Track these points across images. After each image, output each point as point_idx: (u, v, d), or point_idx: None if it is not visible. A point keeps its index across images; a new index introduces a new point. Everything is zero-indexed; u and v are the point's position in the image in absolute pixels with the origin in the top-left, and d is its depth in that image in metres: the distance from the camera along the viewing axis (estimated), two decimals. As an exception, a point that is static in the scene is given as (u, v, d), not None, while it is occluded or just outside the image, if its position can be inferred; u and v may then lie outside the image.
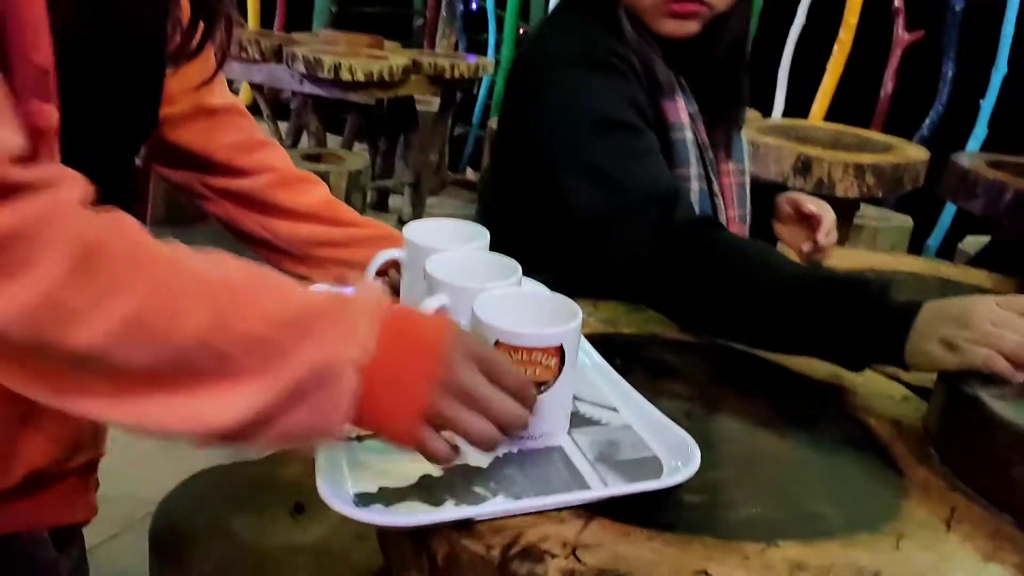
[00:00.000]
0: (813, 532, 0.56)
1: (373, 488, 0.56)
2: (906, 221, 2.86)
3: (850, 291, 0.71)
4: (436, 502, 0.55)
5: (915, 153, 2.17)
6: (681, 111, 0.95)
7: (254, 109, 3.54)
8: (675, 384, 0.76)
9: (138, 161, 0.70)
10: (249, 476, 1.05)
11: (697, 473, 0.58)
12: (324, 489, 0.53)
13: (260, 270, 0.51)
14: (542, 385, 0.60)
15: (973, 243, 2.50)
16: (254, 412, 0.47)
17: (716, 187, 0.99)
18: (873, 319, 0.70)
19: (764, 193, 1.09)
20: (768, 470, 0.64)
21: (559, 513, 0.55)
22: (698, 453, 0.60)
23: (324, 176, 2.61)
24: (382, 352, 0.50)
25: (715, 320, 0.81)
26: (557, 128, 0.89)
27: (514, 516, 0.54)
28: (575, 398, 0.69)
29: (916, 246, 2.95)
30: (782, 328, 0.75)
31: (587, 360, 0.75)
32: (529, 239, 0.83)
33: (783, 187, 1.14)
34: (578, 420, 0.66)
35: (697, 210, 0.91)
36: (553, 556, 0.51)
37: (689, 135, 0.95)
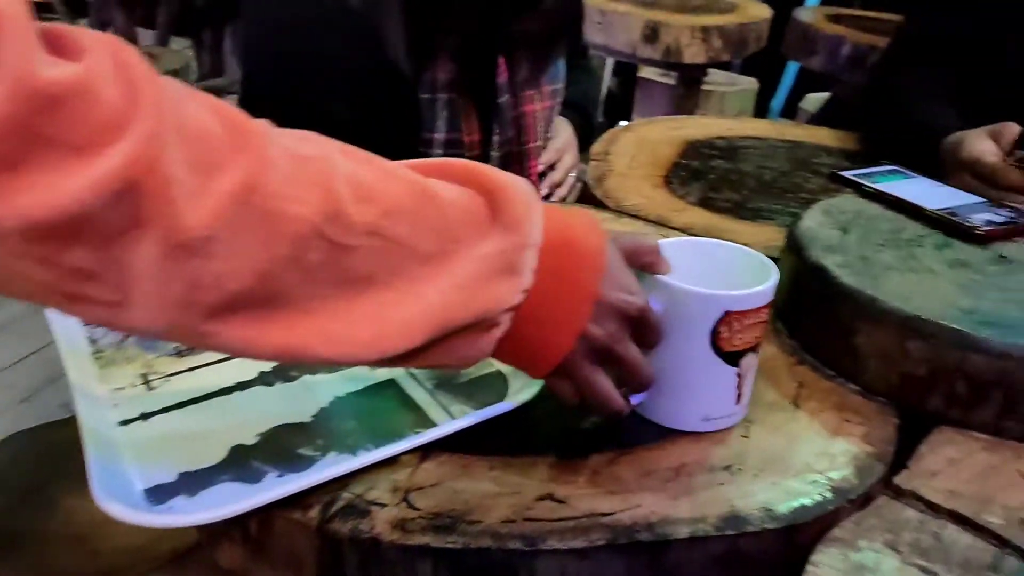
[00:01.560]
0: (661, 431, 0.53)
1: (171, 475, 0.47)
2: (752, 84, 2.89)
3: None
4: (254, 477, 0.47)
5: (758, 11, 2.15)
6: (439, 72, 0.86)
7: (45, 7, 3.09)
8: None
9: None
10: (68, 437, 0.93)
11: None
12: (98, 490, 0.42)
13: (372, 157, 0.43)
14: (756, 347, 0.51)
15: (814, 101, 2.56)
16: (401, 347, 0.42)
17: (499, 138, 0.92)
18: None
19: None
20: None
21: (389, 452, 0.49)
22: None
23: (138, 81, 2.31)
24: (537, 288, 0.44)
25: None
26: None
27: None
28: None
29: (763, 108, 3.01)
30: None
31: None
32: None
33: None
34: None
35: None
36: (382, 506, 0.45)
37: (444, 98, 0.87)
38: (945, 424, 0.55)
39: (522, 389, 0.53)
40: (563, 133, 1.06)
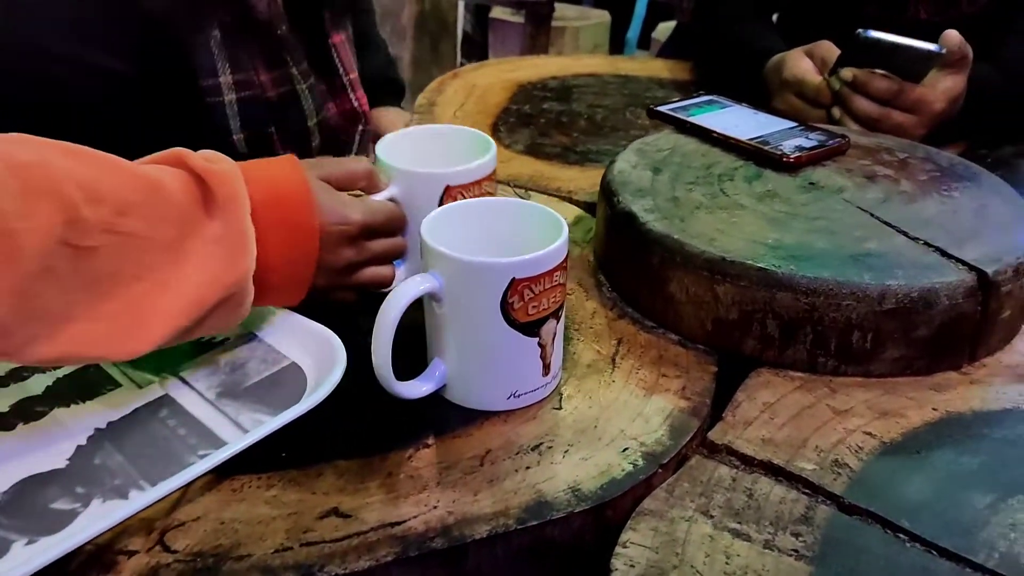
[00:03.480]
0: (468, 415, 0.48)
1: None
2: (604, 16, 2.86)
3: None
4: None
5: (596, -58, 2.10)
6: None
7: None
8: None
9: None
10: None
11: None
12: None
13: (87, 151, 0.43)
14: (557, 311, 0.47)
15: (664, 30, 2.56)
16: (168, 334, 0.44)
17: (298, 71, 0.85)
18: None
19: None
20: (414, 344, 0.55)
21: (150, 485, 0.42)
22: (342, 349, 0.49)
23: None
24: (265, 245, 0.47)
25: None
26: None
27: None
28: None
29: (618, 40, 2.99)
30: None
31: None
32: None
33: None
34: (186, 350, 0.52)
35: (236, 122, 0.80)
36: (131, 554, 0.39)
37: (216, 36, 0.78)
38: (763, 365, 0.53)
39: (321, 382, 0.47)
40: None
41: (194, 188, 0.46)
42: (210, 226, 0.45)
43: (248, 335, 0.53)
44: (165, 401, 0.48)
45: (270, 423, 0.45)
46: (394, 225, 0.57)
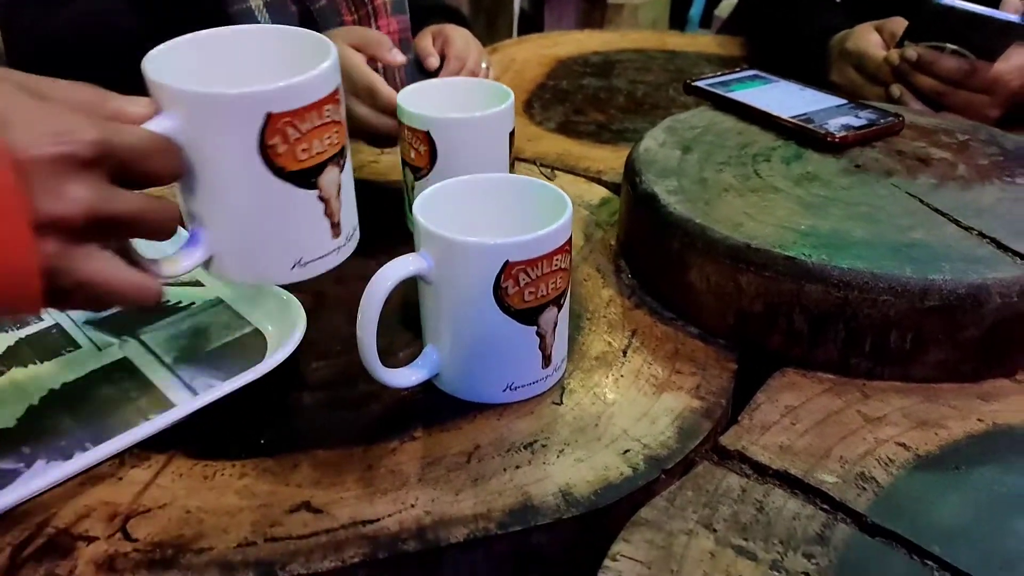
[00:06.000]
0: (461, 407, 0.45)
1: None
2: (665, -7, 2.77)
3: None
4: None
5: (656, -86, 2.02)
6: None
7: None
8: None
9: None
10: None
11: (314, 351, 0.46)
12: None
13: None
14: (559, 298, 0.43)
15: (727, 7, 2.46)
16: None
17: None
18: None
19: None
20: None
21: (123, 466, 0.41)
22: (301, 312, 0.47)
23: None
24: None
25: None
26: None
27: (62, 483, 0.39)
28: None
29: (680, 18, 2.89)
30: None
31: None
32: None
33: None
34: (148, 313, 0.51)
35: None
36: (90, 540, 0.37)
37: None
38: (789, 364, 0.48)
39: (281, 344, 0.46)
40: (456, 37, 0.94)
41: None
42: None
43: (215, 300, 0.52)
44: (123, 364, 0.47)
45: (219, 388, 0.43)
46: (161, 162, 0.36)
